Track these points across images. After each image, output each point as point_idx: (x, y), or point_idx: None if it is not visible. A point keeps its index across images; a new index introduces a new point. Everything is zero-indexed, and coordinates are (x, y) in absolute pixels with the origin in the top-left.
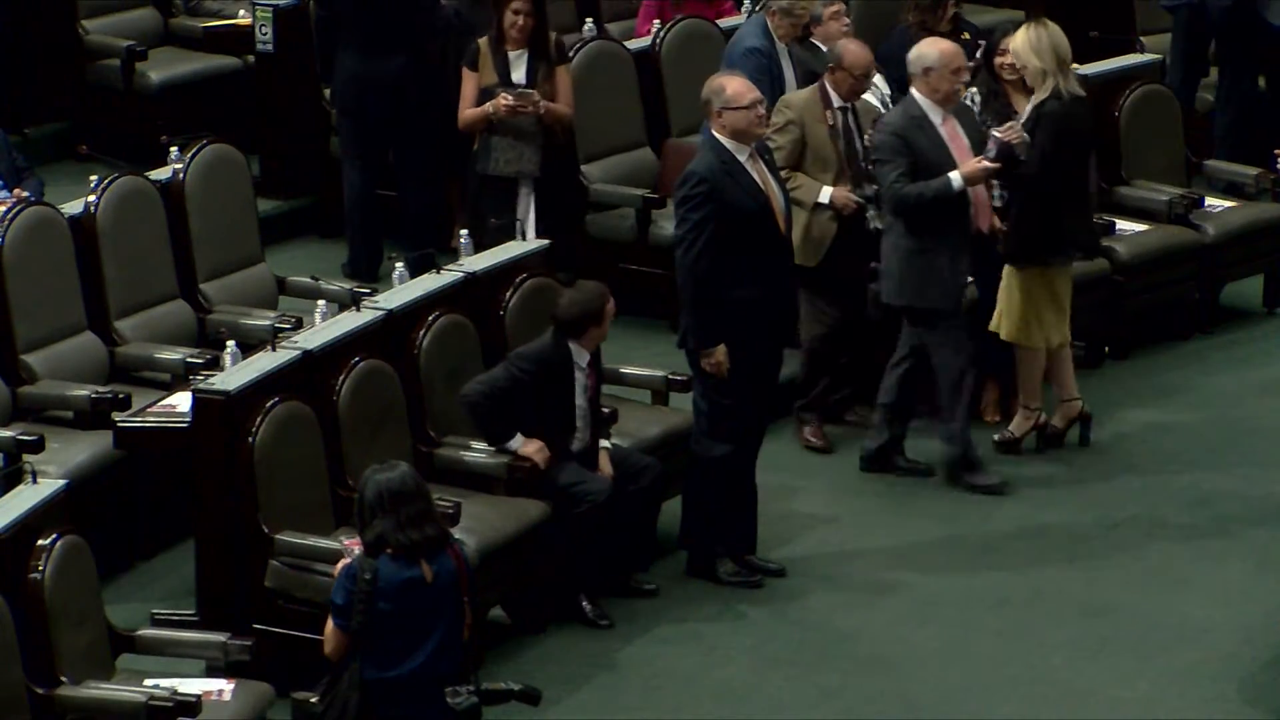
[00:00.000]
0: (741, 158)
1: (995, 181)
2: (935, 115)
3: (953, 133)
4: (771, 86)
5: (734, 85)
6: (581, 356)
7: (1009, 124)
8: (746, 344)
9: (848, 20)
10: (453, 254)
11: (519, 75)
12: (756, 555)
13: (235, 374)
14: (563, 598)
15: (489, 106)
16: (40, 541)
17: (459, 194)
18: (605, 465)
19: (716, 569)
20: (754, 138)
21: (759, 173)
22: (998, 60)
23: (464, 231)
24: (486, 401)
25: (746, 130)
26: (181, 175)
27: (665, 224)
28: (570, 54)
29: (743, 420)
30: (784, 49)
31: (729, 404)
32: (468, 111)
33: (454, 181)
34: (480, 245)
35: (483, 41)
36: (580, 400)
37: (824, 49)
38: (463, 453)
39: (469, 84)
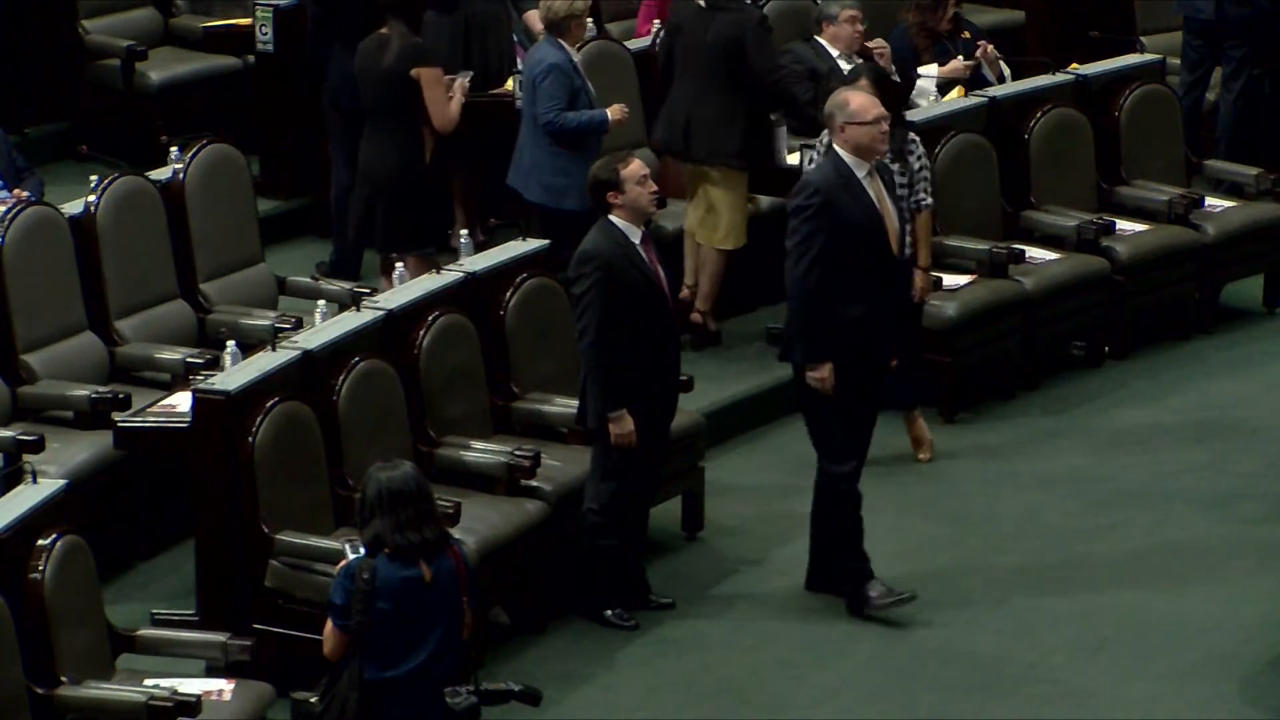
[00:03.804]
0: (860, 174)
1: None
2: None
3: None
4: (577, 99)
5: (858, 100)
6: (633, 233)
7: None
8: (850, 363)
9: (861, 27)
10: (453, 254)
11: None
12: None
13: (235, 374)
14: (575, 603)
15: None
16: (40, 541)
17: (462, 191)
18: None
19: (870, 593)
20: (875, 154)
21: (876, 191)
22: None
23: (464, 231)
24: (604, 355)
25: (869, 146)
26: (181, 175)
27: (666, 223)
28: None
29: (857, 439)
30: (578, 57)
31: (840, 422)
32: (456, 104)
33: (454, 179)
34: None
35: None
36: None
37: (828, 48)
38: (463, 453)
39: (444, 83)
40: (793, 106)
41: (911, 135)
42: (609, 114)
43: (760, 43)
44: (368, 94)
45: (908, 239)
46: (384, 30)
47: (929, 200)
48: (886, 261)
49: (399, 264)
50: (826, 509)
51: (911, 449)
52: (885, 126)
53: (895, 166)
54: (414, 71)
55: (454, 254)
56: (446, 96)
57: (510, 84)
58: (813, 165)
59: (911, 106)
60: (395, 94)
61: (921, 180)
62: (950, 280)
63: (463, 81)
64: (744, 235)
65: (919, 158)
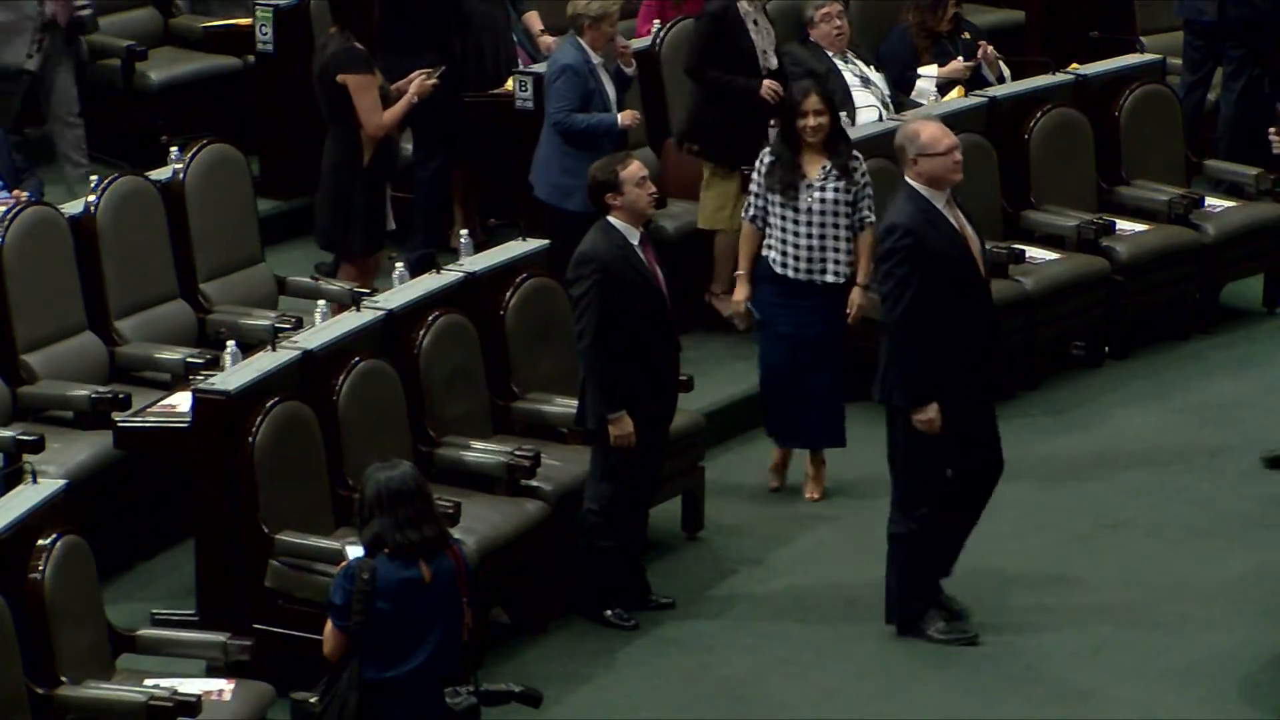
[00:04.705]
0: (939, 204)
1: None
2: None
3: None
4: (590, 101)
5: (929, 131)
6: (631, 235)
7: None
8: (954, 395)
9: (839, 22)
10: (453, 254)
11: None
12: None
13: (235, 374)
14: (575, 603)
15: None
16: (40, 541)
17: (462, 191)
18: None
19: (926, 628)
20: (950, 184)
21: (956, 219)
22: (800, 122)
23: (464, 231)
24: (603, 357)
25: (943, 177)
26: (181, 175)
27: (665, 222)
28: None
29: (945, 478)
30: (598, 59)
31: (934, 462)
32: (395, 110)
33: (454, 178)
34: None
35: (357, 43)
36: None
37: (825, 49)
38: (463, 453)
39: (374, 89)
40: (722, 95)
41: (855, 151)
42: (619, 119)
43: (695, 34)
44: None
45: (848, 257)
46: (332, 30)
47: (872, 217)
48: (978, 287)
49: (399, 264)
50: (909, 557)
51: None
52: (959, 155)
53: (841, 184)
54: (340, 78)
55: (454, 254)
56: (375, 103)
57: (510, 84)
58: (760, 174)
59: (912, 106)
60: (325, 97)
61: (865, 197)
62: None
63: (422, 81)
64: (718, 221)
65: (863, 174)
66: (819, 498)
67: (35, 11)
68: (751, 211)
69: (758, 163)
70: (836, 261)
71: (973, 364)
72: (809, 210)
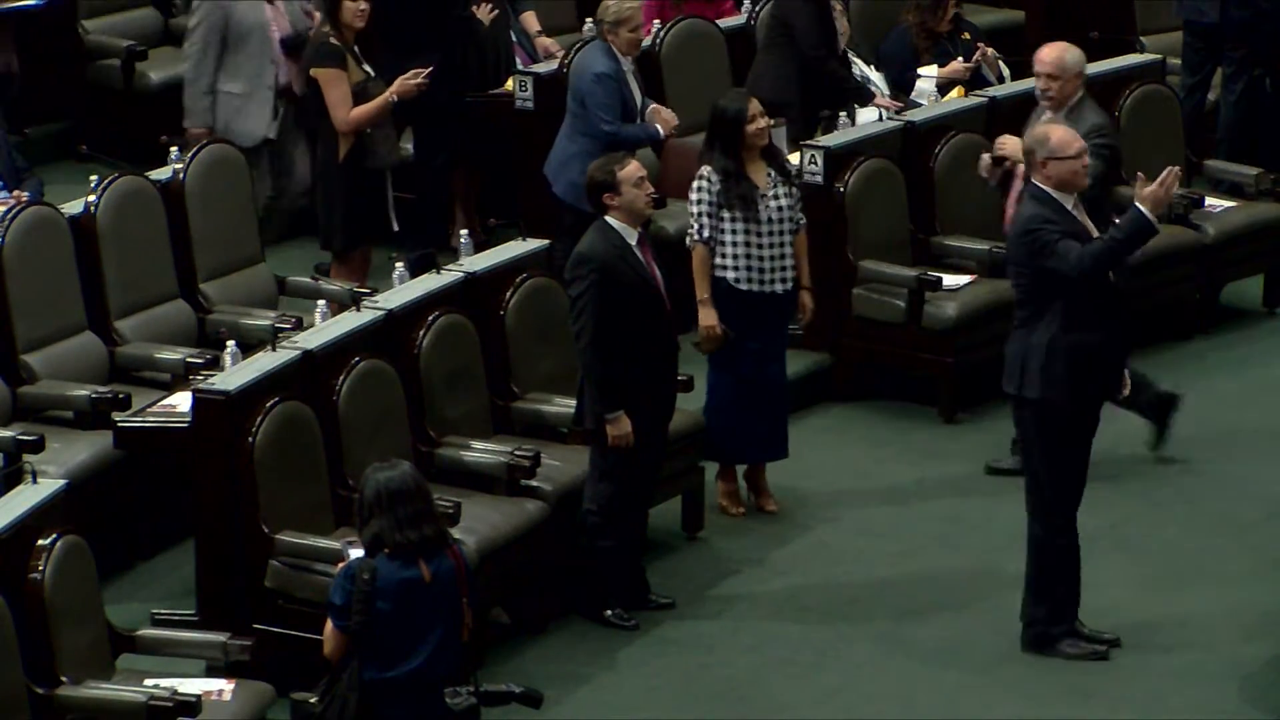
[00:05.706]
0: (1068, 206)
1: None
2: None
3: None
4: (624, 109)
5: (1058, 135)
6: (629, 235)
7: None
8: (1086, 394)
9: (839, 22)
10: (453, 254)
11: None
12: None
13: (235, 374)
14: (575, 603)
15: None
16: (40, 541)
17: (462, 191)
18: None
19: (1059, 646)
20: (1078, 188)
21: (1084, 222)
22: (749, 128)
23: (464, 231)
24: (601, 357)
25: (1070, 181)
26: (181, 175)
27: (665, 223)
28: (570, 53)
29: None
30: (628, 65)
31: (1075, 469)
32: (365, 107)
33: (454, 178)
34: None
35: (333, 39)
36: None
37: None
38: (463, 453)
39: (343, 84)
40: (834, 82)
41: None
42: (660, 129)
43: (808, 21)
44: None
45: (790, 260)
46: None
47: (804, 218)
48: (1111, 290)
49: (399, 264)
50: (1046, 566)
51: (759, 500)
52: (1087, 160)
53: (786, 188)
54: (311, 72)
55: (454, 254)
56: (343, 98)
57: (510, 84)
58: (711, 194)
59: (912, 107)
60: (308, 92)
61: (800, 199)
62: (950, 280)
63: (404, 80)
64: None
65: (796, 174)
66: (777, 509)
67: (273, 80)
68: (706, 233)
69: (703, 183)
70: (788, 268)
71: (1107, 362)
72: (769, 220)
